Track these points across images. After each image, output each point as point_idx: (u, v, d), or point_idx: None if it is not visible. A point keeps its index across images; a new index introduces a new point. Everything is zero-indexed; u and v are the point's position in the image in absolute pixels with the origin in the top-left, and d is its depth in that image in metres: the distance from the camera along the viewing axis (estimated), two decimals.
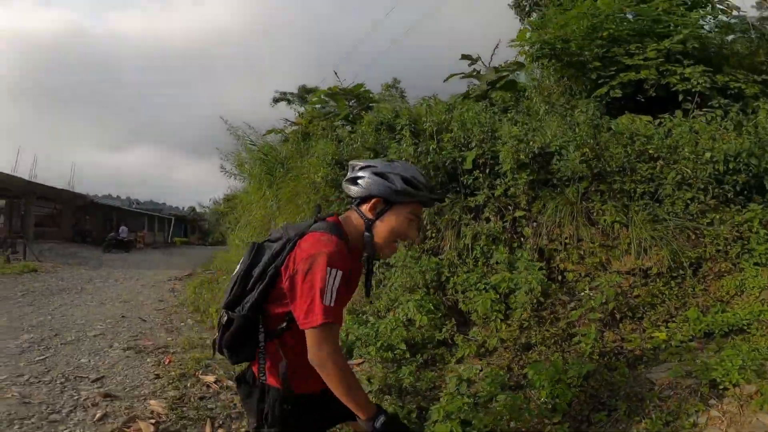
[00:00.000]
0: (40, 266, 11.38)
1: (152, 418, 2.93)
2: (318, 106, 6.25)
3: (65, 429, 2.72)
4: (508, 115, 4.64)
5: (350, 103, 5.70)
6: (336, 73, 5.77)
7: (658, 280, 3.35)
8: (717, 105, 4.17)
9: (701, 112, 4.09)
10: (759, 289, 3.05)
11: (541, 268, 3.45)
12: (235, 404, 3.24)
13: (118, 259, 16.08)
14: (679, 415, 2.32)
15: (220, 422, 2.97)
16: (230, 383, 3.66)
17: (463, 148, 4.19)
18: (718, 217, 3.46)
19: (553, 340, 3.06)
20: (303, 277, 1.29)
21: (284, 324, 1.40)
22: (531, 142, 3.78)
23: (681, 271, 3.34)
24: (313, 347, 1.29)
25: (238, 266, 1.50)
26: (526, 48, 5.07)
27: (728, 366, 2.45)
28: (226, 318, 1.48)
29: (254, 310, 1.42)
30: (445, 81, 5.74)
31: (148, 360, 4.25)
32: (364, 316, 4.05)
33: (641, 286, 3.35)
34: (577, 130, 3.85)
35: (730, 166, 3.53)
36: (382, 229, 1.42)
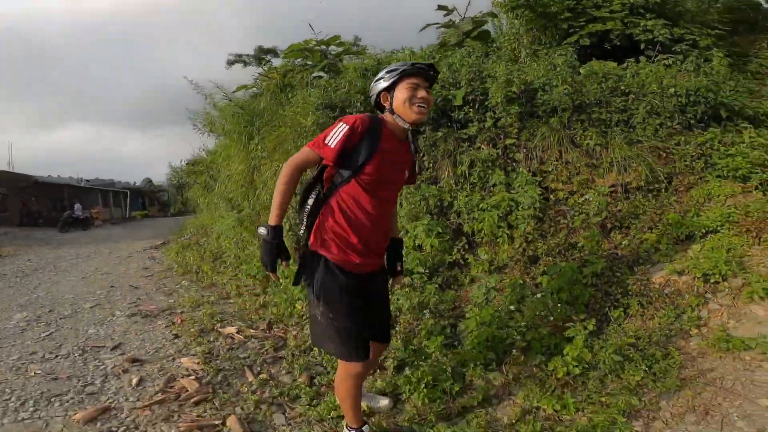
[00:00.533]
0: (1, 251, 10.38)
1: (190, 374, 2.83)
2: (293, 60, 5.84)
3: (107, 399, 2.52)
4: (491, 59, 4.61)
5: (326, 56, 5.38)
6: (311, 26, 5.39)
7: (637, 193, 3.57)
8: (679, 51, 4.44)
9: (664, 57, 4.31)
10: (724, 196, 3.32)
11: (537, 184, 3.57)
12: (266, 350, 3.20)
13: (78, 237, 14.90)
14: (685, 310, 2.54)
15: (258, 369, 2.92)
16: (252, 332, 3.60)
17: (451, 88, 4.15)
18: (683, 138, 3.72)
19: (557, 250, 3.22)
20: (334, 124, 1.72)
21: (329, 186, 1.76)
22: (519, 77, 3.85)
23: (656, 185, 3.57)
24: (294, 155, 1.70)
25: None
26: None
27: (715, 259, 2.68)
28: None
29: (319, 172, 1.81)
30: (421, 30, 5.58)
31: (159, 322, 4.06)
32: None
33: (624, 200, 3.56)
34: (557, 69, 3.97)
35: (691, 99, 3.80)
36: (397, 105, 1.76)
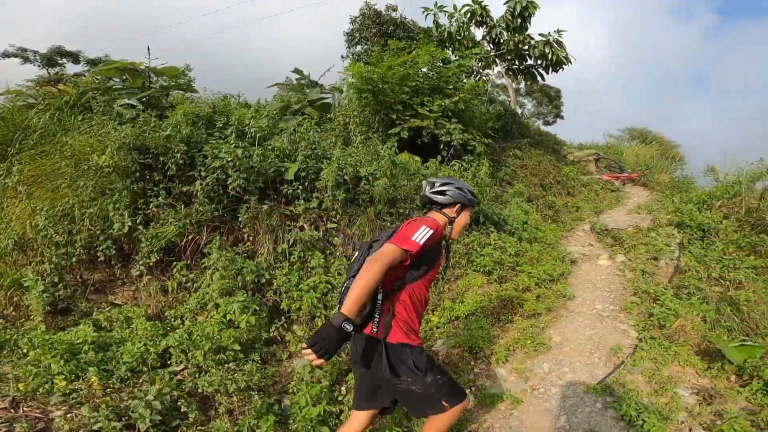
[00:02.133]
0: None
1: None
2: (103, 77, 4.90)
3: None
4: (324, 127, 5.03)
5: (154, 84, 4.78)
6: (149, 49, 4.73)
7: None
8: (465, 159, 5.84)
9: (458, 162, 5.64)
10: (478, 286, 4.53)
11: None
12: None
13: None
14: (461, 375, 3.31)
15: None
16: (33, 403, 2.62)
17: (285, 159, 4.24)
18: (462, 238, 4.91)
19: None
20: (408, 224, 1.87)
21: (398, 283, 1.88)
22: (350, 164, 4.25)
23: (437, 276, 4.53)
24: (379, 252, 1.71)
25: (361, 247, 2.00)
26: (351, 79, 5.62)
27: (476, 336, 3.65)
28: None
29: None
30: (268, 87, 5.70)
31: None
32: (170, 321, 3.67)
33: None
34: (382, 162, 4.55)
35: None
36: (458, 223, 2.09)
